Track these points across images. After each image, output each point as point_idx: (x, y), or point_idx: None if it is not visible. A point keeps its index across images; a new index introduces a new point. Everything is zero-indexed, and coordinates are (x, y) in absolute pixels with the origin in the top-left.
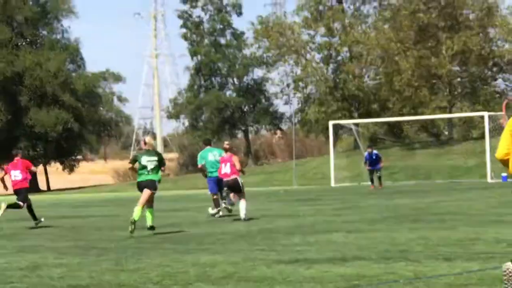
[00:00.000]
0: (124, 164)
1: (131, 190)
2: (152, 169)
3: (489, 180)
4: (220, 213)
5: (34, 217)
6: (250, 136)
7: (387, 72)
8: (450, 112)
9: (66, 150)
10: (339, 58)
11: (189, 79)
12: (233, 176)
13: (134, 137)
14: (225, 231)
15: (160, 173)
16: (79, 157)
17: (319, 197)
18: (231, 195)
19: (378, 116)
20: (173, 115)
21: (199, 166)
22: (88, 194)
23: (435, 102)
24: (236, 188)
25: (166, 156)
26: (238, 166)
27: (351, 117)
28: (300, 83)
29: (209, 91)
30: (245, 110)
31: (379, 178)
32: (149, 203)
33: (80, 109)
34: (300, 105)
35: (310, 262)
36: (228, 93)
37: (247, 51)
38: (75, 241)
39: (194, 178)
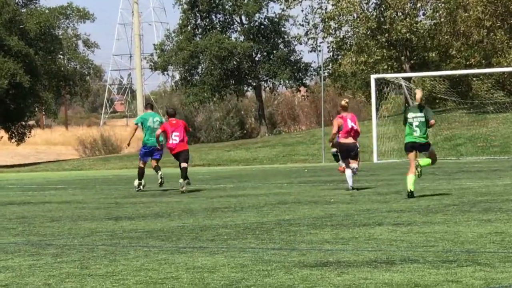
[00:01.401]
0: (92, 133)
1: (100, 166)
2: None
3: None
4: (141, 187)
5: None
6: (264, 94)
7: (449, 8)
8: None
9: (13, 113)
10: None
11: (181, 16)
12: None
13: (105, 95)
14: (229, 222)
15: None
16: (31, 122)
17: (356, 178)
18: None
19: (437, 68)
20: (159, 66)
21: (134, 126)
22: (43, 173)
23: None
24: None
25: None
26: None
27: (401, 70)
28: (332, 23)
29: (208, 33)
30: (256, 59)
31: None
32: None
33: (33, 57)
34: (331, 53)
35: (344, 265)
36: (233, 36)
37: None
38: (25, 236)
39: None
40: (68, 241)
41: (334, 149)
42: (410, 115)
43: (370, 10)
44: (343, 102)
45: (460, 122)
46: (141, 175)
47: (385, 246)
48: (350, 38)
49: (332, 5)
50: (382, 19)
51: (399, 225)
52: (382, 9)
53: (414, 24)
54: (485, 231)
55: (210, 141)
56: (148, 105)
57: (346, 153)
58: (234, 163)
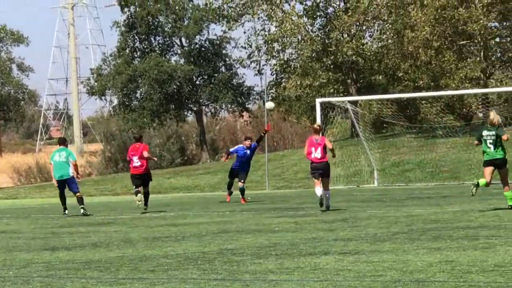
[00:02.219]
0: (27, 160)
1: (35, 195)
2: None
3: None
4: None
5: None
6: (205, 119)
7: (396, 29)
8: (485, 85)
9: None
10: (330, 9)
11: (119, 39)
12: None
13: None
14: (169, 252)
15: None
16: None
17: (301, 205)
18: None
19: (385, 91)
20: (97, 91)
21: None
22: None
23: (464, 72)
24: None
25: (87, 147)
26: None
27: (347, 93)
28: (275, 45)
29: (147, 56)
30: (197, 83)
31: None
32: None
33: None
34: (275, 76)
35: None
36: (173, 59)
37: (199, 1)
38: None
39: (126, 178)
40: (2, 273)
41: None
42: (484, 132)
43: (315, 31)
44: (315, 125)
45: (409, 147)
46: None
47: (331, 276)
48: (294, 61)
49: (276, 26)
50: (327, 41)
51: (346, 254)
52: (328, 31)
53: (361, 46)
54: (435, 260)
55: (150, 168)
56: (60, 139)
57: (315, 172)
58: (174, 190)
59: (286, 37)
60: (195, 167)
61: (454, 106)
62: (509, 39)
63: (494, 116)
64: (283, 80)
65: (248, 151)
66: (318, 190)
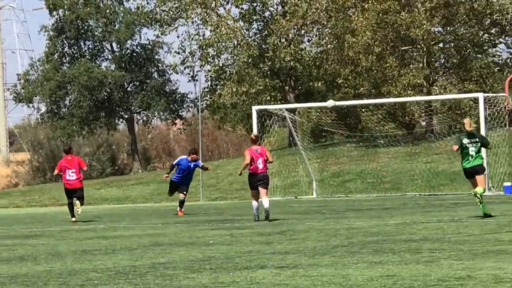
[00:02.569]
0: None
1: None
2: None
3: (486, 191)
4: None
5: None
6: (137, 127)
7: (336, 34)
8: (429, 92)
9: None
10: (267, 13)
11: (47, 44)
12: None
13: None
14: (99, 266)
15: None
16: None
17: (237, 217)
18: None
19: (324, 98)
20: (24, 98)
21: None
22: None
23: (407, 78)
24: None
25: (13, 156)
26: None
27: (285, 101)
28: (210, 50)
29: (77, 61)
30: (129, 89)
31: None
32: None
33: None
34: (210, 82)
35: None
36: (104, 64)
37: (131, 4)
38: None
39: (55, 189)
40: None
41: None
42: (465, 140)
43: (252, 36)
44: (252, 135)
45: (349, 157)
46: None
47: None
48: (230, 67)
49: (211, 31)
50: (264, 46)
51: (283, 268)
52: (265, 36)
53: (299, 52)
54: (376, 274)
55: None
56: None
57: (257, 183)
58: (105, 202)
59: (221, 42)
60: (127, 178)
61: (396, 114)
62: (453, 44)
63: (469, 122)
64: (218, 87)
65: (192, 165)
66: (256, 204)
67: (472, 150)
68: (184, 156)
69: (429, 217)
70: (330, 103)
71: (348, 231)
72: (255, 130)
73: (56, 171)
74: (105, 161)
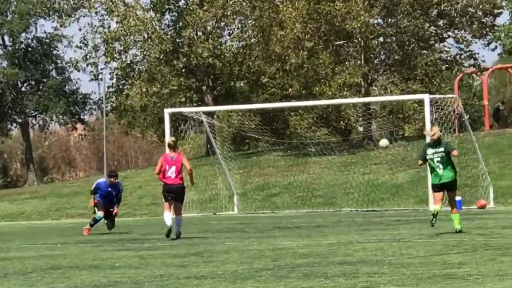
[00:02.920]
0: None
1: None
2: None
3: (431, 207)
4: None
5: None
6: (32, 133)
7: (261, 26)
8: (367, 93)
9: None
10: (182, 2)
11: None
12: None
13: None
14: None
15: None
16: None
17: (147, 236)
18: None
19: (247, 100)
20: None
21: None
22: None
23: (342, 77)
24: None
25: None
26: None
27: (202, 102)
28: (117, 45)
29: None
30: (23, 89)
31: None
32: None
33: None
34: (115, 81)
35: None
36: None
37: None
38: None
39: None
40: None
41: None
42: (429, 151)
43: (164, 29)
44: (169, 140)
45: (275, 167)
46: None
47: None
48: (139, 64)
49: (117, 22)
50: (179, 40)
51: None
52: (179, 28)
53: (218, 47)
54: None
55: None
56: None
57: (168, 195)
58: None
59: (129, 35)
60: (20, 191)
61: (329, 119)
62: (394, 38)
63: (436, 130)
64: (126, 86)
65: (114, 192)
66: (168, 216)
67: (437, 161)
68: (102, 179)
69: (367, 236)
70: (384, 142)
71: (274, 252)
72: (168, 136)
73: None
74: None
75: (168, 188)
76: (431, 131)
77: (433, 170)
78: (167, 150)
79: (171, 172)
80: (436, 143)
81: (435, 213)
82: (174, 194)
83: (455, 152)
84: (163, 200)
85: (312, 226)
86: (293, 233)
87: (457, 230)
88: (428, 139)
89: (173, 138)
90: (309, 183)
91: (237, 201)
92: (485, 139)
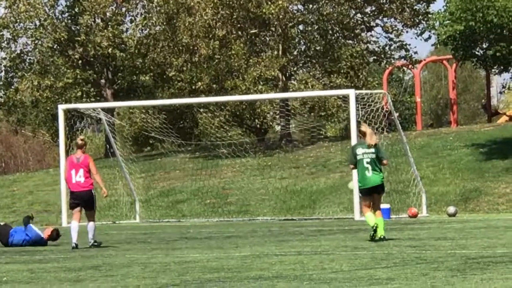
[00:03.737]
0: None
1: None
2: None
3: (356, 216)
4: None
5: None
6: None
7: (167, 13)
8: (285, 88)
9: None
10: None
11: None
12: None
13: None
14: None
15: None
16: None
17: (37, 248)
18: None
19: (151, 95)
20: None
21: None
22: None
23: (257, 70)
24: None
25: None
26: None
27: (101, 97)
28: (5, 33)
29: None
30: None
31: None
32: None
33: None
34: (3, 74)
35: None
36: None
37: None
38: None
39: None
40: None
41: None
42: (359, 150)
43: (58, 15)
44: (78, 140)
45: (182, 171)
46: None
47: None
48: (30, 54)
49: (5, 8)
50: (74, 28)
51: None
52: (75, 15)
53: (119, 35)
54: None
55: None
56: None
57: (75, 203)
58: None
59: (19, 22)
60: None
61: (243, 117)
62: (316, 27)
63: (371, 134)
64: (15, 79)
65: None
66: (75, 229)
67: (367, 162)
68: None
69: (285, 248)
70: (451, 210)
71: (181, 266)
72: (61, 135)
73: None
74: None
75: (75, 195)
76: (372, 139)
77: (361, 172)
78: (75, 151)
79: (79, 177)
80: (367, 145)
81: (375, 226)
82: (83, 202)
83: (385, 162)
84: (70, 209)
85: (224, 237)
86: (202, 244)
87: (382, 237)
88: (355, 140)
89: (82, 137)
90: (220, 189)
91: (139, 208)
92: (417, 140)
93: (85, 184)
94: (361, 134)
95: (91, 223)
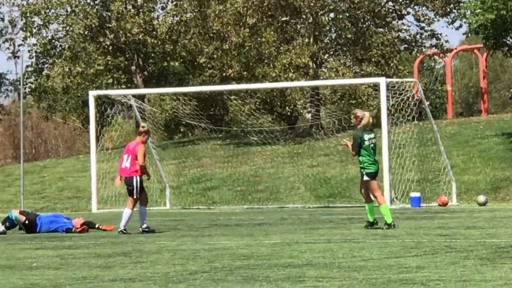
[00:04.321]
0: None
1: None
2: None
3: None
4: None
5: None
6: None
7: (198, 0)
8: (316, 76)
9: None
10: None
11: None
12: None
13: None
14: None
15: None
16: None
17: (67, 234)
18: None
19: (181, 82)
20: None
21: None
22: None
23: (288, 57)
24: None
25: None
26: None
27: (131, 84)
28: (36, 19)
29: None
30: None
31: None
32: None
33: None
34: (35, 60)
35: None
36: None
37: None
38: None
39: None
40: None
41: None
42: (366, 136)
43: (90, 1)
44: (140, 128)
45: (213, 158)
46: None
47: None
48: (61, 40)
49: None
50: (106, 14)
51: None
52: (107, 2)
53: (150, 22)
54: None
55: None
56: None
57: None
58: None
59: (50, 8)
60: None
61: (273, 104)
62: (347, 14)
63: (369, 118)
64: (46, 66)
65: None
66: (126, 212)
67: (372, 147)
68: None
69: (315, 236)
70: (481, 199)
71: (210, 252)
72: (92, 121)
73: None
74: None
75: (124, 181)
76: (366, 118)
77: (368, 157)
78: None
79: (127, 162)
80: (370, 129)
81: (373, 222)
82: (126, 187)
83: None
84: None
85: (254, 224)
86: (232, 231)
87: (388, 226)
88: (386, 128)
89: (143, 125)
90: (250, 176)
91: (169, 194)
92: (447, 129)
93: (129, 170)
94: (358, 119)
95: (127, 209)
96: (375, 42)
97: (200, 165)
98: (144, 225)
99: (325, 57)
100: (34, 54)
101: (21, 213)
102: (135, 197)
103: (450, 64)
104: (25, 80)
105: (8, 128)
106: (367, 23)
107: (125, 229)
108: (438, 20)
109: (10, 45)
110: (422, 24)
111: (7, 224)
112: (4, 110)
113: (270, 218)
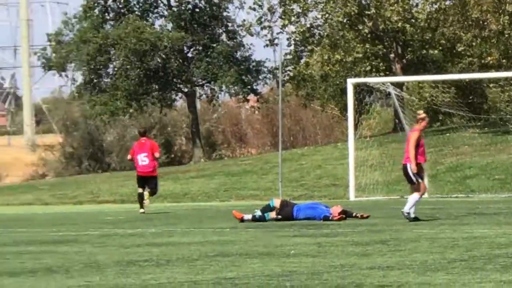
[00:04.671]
0: None
1: None
2: None
3: None
4: None
5: None
6: (199, 105)
7: None
8: None
9: None
10: None
11: None
12: None
13: None
14: (149, 281)
15: None
16: None
17: (327, 222)
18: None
19: (440, 70)
20: (55, 64)
21: None
22: None
23: None
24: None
25: (40, 139)
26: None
27: (390, 72)
28: (295, 7)
29: (123, 18)
30: (189, 55)
31: None
32: None
33: None
34: (293, 48)
35: None
36: (158, 23)
37: None
38: None
39: (92, 181)
40: None
41: None
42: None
43: None
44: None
45: (471, 146)
46: None
47: None
48: (320, 28)
49: None
50: (365, 1)
51: (386, 286)
52: None
53: (409, 10)
54: None
55: (124, 169)
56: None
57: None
58: (157, 199)
59: None
60: (185, 168)
61: None
62: None
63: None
64: (305, 53)
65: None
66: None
67: None
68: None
69: None
70: None
71: (469, 241)
72: (350, 109)
73: (129, 156)
74: (158, 147)
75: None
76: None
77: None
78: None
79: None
80: None
81: None
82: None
83: None
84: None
85: None
86: (490, 220)
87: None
88: None
89: (420, 111)
90: (509, 165)
91: (427, 183)
92: None
93: (405, 157)
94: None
95: (414, 194)
96: None
97: (458, 153)
98: (408, 210)
99: None
100: (292, 42)
101: (282, 202)
102: (415, 183)
103: None
104: (283, 68)
105: (266, 116)
106: None
107: (408, 213)
108: None
109: (268, 32)
110: None
111: (263, 213)
112: (262, 98)
113: None
